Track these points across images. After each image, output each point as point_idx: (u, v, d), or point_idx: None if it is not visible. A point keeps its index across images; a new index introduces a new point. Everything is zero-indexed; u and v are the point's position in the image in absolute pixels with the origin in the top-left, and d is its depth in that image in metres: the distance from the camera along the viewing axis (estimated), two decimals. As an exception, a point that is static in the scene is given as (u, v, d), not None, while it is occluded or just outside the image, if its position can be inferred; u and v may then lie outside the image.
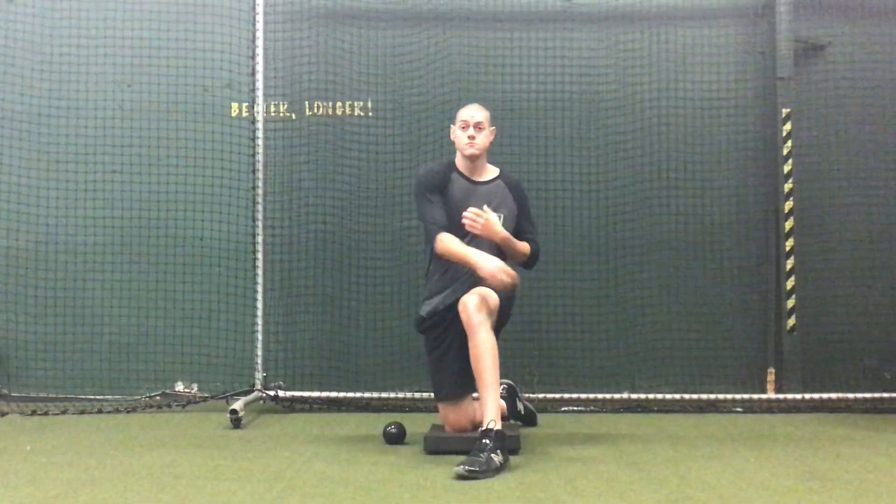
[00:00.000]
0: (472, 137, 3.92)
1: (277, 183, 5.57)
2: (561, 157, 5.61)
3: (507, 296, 3.86)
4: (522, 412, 4.49)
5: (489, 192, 3.97)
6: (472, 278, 3.73)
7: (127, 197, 5.66)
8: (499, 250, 3.88)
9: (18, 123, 5.63)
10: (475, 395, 3.76)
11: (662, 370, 5.49)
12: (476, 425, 3.73)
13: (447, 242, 3.78)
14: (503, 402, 4.33)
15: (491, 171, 4.06)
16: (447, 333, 3.86)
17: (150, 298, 5.62)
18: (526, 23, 5.67)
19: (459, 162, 4.00)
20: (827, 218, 5.54)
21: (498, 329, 3.79)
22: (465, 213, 3.78)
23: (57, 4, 5.68)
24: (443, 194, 3.91)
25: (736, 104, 5.62)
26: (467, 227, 3.78)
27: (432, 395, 4.07)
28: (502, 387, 4.41)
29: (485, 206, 3.84)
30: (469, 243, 3.79)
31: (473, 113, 3.96)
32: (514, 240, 3.94)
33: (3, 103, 5.62)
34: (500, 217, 3.91)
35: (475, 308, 3.58)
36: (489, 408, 3.46)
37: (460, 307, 3.64)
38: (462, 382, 3.87)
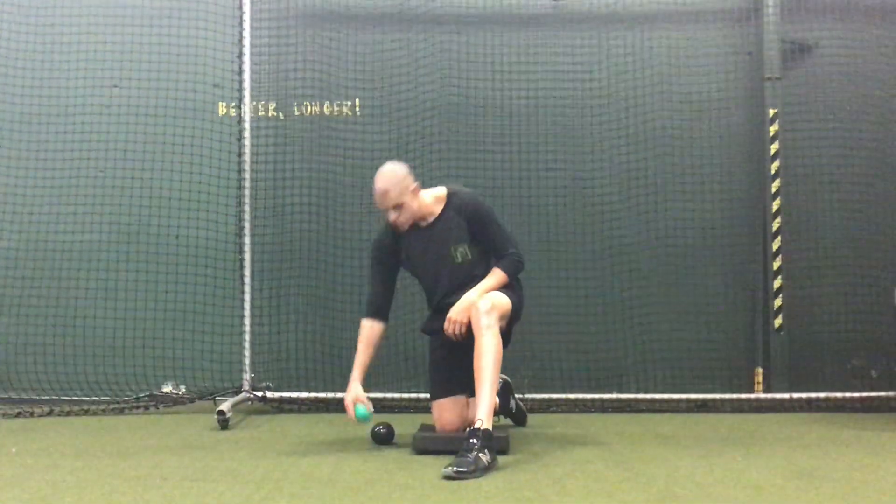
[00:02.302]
0: (394, 219, 3.84)
1: (265, 183, 5.55)
2: (549, 159, 5.61)
3: (519, 297, 3.88)
4: (514, 410, 4.49)
5: (443, 231, 3.87)
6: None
7: (114, 197, 5.64)
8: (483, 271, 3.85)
9: (3, 123, 5.60)
10: (471, 397, 3.75)
11: (651, 370, 5.50)
12: (465, 426, 3.72)
13: (360, 334, 3.95)
14: (496, 398, 4.33)
15: (436, 204, 3.90)
16: (445, 339, 3.84)
17: (137, 299, 5.60)
18: (513, 24, 5.68)
19: None
20: (814, 218, 5.56)
21: (509, 331, 3.83)
22: (444, 328, 3.74)
23: (43, 4, 5.65)
24: (398, 255, 3.96)
25: (724, 105, 5.64)
26: (449, 336, 3.74)
27: (428, 395, 4.08)
28: (499, 381, 4.42)
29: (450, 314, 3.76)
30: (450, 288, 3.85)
31: (379, 199, 3.81)
32: (487, 286, 3.76)
33: (-11, 104, 5.60)
34: (461, 251, 3.84)
35: (486, 312, 3.58)
36: (482, 407, 3.45)
37: (472, 310, 3.64)
38: (449, 387, 3.90)
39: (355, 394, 3.86)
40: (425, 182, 5.34)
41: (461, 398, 3.90)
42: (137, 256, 5.61)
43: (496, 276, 3.80)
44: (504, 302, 3.71)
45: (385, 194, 3.78)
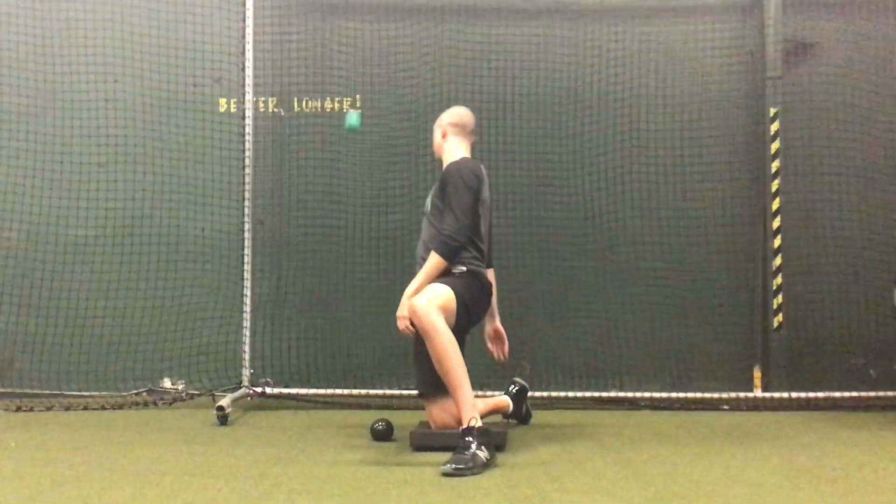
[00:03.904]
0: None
1: (266, 179, 5.55)
2: (549, 154, 5.60)
3: (464, 285, 3.77)
4: (524, 413, 4.50)
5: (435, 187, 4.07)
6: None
7: (114, 192, 5.63)
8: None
9: (5, 115, 5.60)
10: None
11: (650, 368, 5.50)
12: (460, 423, 3.72)
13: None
14: (509, 401, 4.33)
15: (448, 160, 4.07)
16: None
17: (137, 294, 5.59)
18: (516, 19, 5.67)
19: None
20: (814, 216, 5.55)
21: (466, 323, 3.81)
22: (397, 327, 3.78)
23: (44, -2, 5.66)
24: None
25: (724, 103, 5.62)
26: (402, 333, 3.77)
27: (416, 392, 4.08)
28: (517, 387, 4.45)
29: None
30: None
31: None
32: (422, 273, 3.79)
33: (-9, 97, 5.60)
34: (428, 200, 4.05)
35: (423, 311, 3.53)
36: (464, 409, 3.46)
37: (410, 311, 3.61)
38: (439, 383, 3.85)
39: None
40: (425, 179, 5.40)
41: (447, 395, 3.88)
42: (138, 251, 5.61)
43: (430, 259, 3.79)
44: (441, 293, 3.64)
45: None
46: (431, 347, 3.54)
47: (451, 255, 3.78)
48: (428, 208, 4.02)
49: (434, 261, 3.76)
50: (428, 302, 3.56)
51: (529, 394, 4.75)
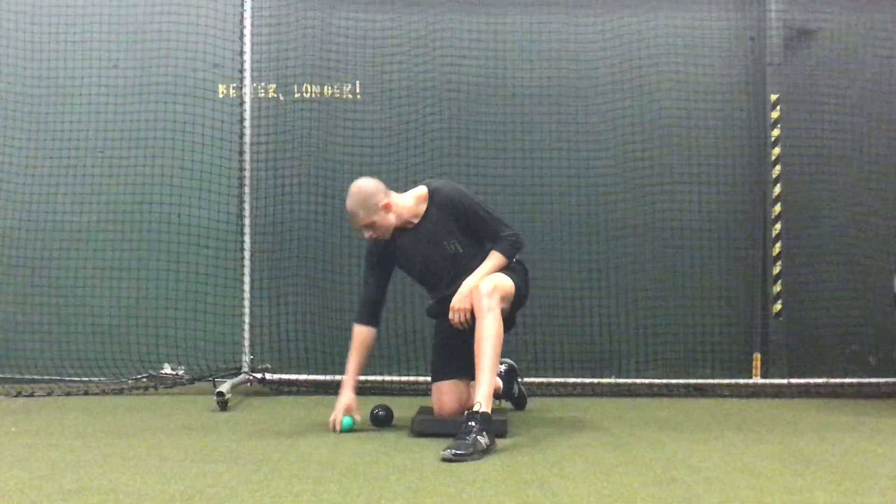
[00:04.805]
0: (369, 236, 3.85)
1: (265, 165, 5.54)
2: (549, 142, 5.60)
3: (523, 280, 3.86)
4: (516, 395, 4.50)
5: (431, 231, 3.84)
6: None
7: (113, 178, 5.63)
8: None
9: (3, 103, 5.58)
10: (472, 381, 3.74)
11: (650, 355, 5.51)
12: (465, 409, 3.72)
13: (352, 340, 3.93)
14: (500, 381, 4.33)
15: (419, 204, 3.85)
16: (447, 323, 3.83)
17: (136, 280, 5.60)
18: (516, 7, 5.65)
19: None
20: (814, 204, 5.55)
21: (512, 315, 3.82)
22: (450, 319, 3.73)
23: (43, -18, 5.63)
24: (391, 258, 3.92)
25: (725, 89, 5.63)
26: (456, 325, 3.72)
27: (429, 377, 4.07)
28: (505, 365, 4.43)
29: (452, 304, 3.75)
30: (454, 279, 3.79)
31: (351, 221, 3.89)
32: (486, 269, 3.75)
33: (-11, 83, 5.58)
34: (453, 245, 3.82)
35: (487, 293, 3.57)
36: (481, 391, 3.46)
37: (474, 292, 3.63)
38: (448, 370, 3.88)
39: (348, 402, 3.84)
40: (422, 169, 5.39)
41: (461, 382, 3.89)
42: (137, 237, 5.61)
43: (493, 258, 3.77)
44: (506, 283, 3.69)
45: (354, 216, 3.79)
46: (480, 326, 3.54)
47: (515, 255, 3.85)
48: (452, 251, 3.82)
49: (498, 261, 3.76)
50: (494, 287, 3.60)
51: (529, 380, 4.77)
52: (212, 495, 2.58)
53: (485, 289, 3.58)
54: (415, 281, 4.10)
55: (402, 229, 3.86)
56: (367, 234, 3.83)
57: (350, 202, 3.78)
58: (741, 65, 5.66)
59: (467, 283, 3.71)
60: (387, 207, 3.77)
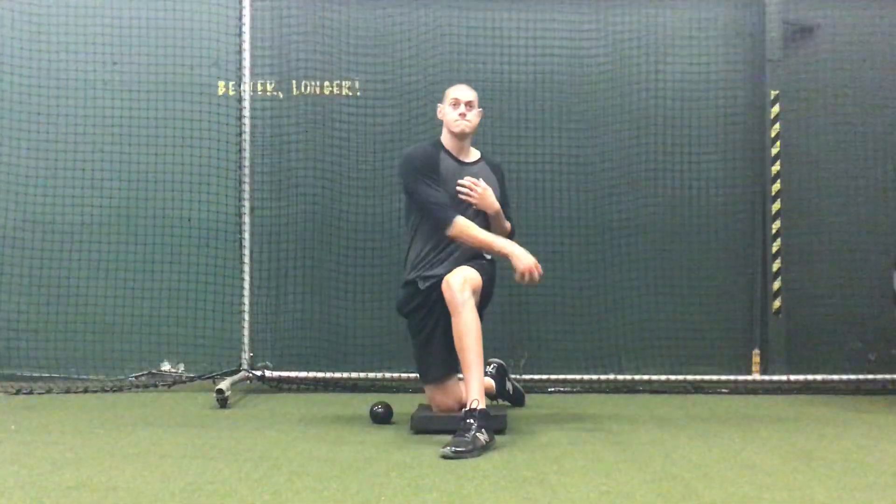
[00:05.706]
0: (462, 115, 3.90)
1: (264, 162, 5.54)
2: (549, 138, 5.60)
3: (489, 275, 3.87)
4: (511, 392, 4.50)
5: (476, 174, 3.94)
6: (469, 254, 3.81)
7: (112, 176, 5.62)
8: (486, 224, 3.90)
9: (3, 102, 5.57)
10: (461, 375, 3.75)
11: (649, 351, 5.51)
12: (462, 406, 3.73)
13: (468, 228, 3.75)
14: (492, 382, 4.34)
15: (474, 154, 4.05)
16: (431, 315, 3.84)
17: (136, 277, 5.60)
18: (516, 3, 5.65)
19: (447, 141, 3.96)
20: (814, 200, 5.55)
21: (481, 309, 3.77)
22: (460, 182, 3.84)
23: (42, -19, 5.63)
24: (437, 175, 3.86)
25: (725, 86, 5.62)
26: (463, 198, 3.82)
27: (418, 376, 4.06)
28: (493, 366, 4.43)
29: (480, 179, 3.89)
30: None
31: (464, 92, 3.95)
32: (503, 215, 3.99)
33: (-12, 81, 5.57)
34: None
35: (459, 287, 3.56)
36: (473, 388, 3.47)
37: (444, 286, 3.62)
38: (448, 364, 3.86)
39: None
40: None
41: (454, 378, 3.90)
42: (137, 235, 5.61)
43: (508, 223, 4.08)
44: (474, 276, 3.67)
45: (470, 90, 3.97)
46: (458, 322, 3.55)
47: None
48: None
49: (508, 228, 4.06)
50: (465, 280, 3.59)
51: (528, 377, 4.75)
52: (211, 492, 2.58)
53: (456, 283, 3.57)
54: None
55: (453, 158, 3.94)
56: (463, 111, 3.90)
57: (466, 85, 4.02)
58: (741, 61, 5.66)
59: (507, 246, 3.70)
60: (481, 113, 4.03)
